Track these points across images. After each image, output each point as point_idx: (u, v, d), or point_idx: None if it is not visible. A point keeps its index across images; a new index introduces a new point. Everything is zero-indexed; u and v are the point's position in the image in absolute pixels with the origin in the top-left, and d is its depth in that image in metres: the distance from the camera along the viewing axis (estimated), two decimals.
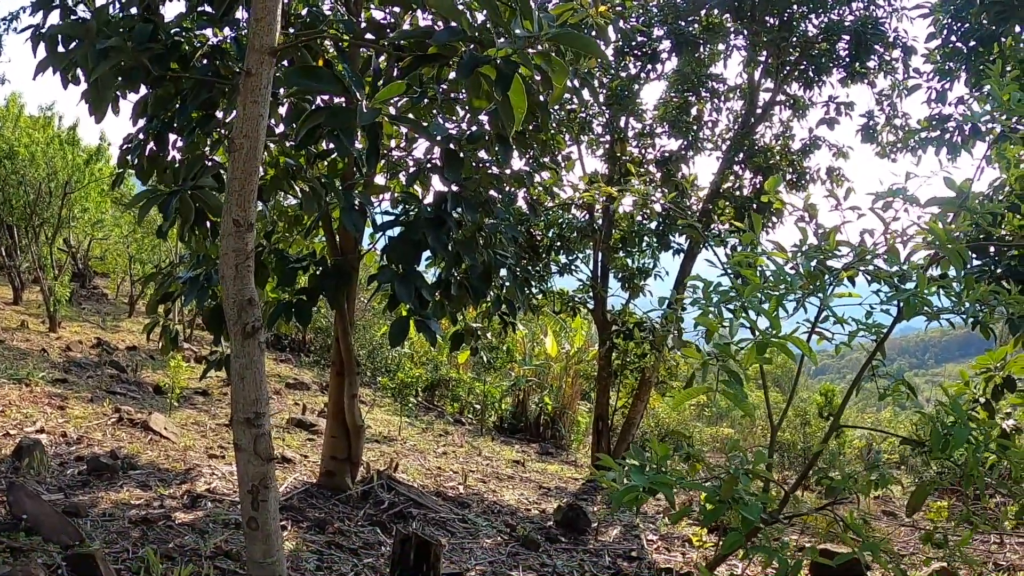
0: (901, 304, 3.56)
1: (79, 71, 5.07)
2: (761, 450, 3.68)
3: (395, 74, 5.95)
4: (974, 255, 5.25)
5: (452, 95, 5.39)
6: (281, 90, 4.86)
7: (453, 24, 3.39)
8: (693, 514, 4.21)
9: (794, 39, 9.60)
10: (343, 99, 4.60)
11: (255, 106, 3.39)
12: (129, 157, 5.55)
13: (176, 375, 10.06)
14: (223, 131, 5.69)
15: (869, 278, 3.77)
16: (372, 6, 6.69)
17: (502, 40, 3.23)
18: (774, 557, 3.34)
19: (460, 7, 3.77)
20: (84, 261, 19.88)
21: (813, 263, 3.70)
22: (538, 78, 3.34)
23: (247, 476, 3.53)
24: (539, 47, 3.28)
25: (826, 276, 3.68)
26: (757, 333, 3.47)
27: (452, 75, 3.82)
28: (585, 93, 7.11)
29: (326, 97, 4.97)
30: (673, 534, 7.41)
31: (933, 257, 3.86)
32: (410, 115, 5.17)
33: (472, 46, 3.35)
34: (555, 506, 7.90)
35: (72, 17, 5.31)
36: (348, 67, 3.84)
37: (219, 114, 5.50)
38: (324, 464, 6.95)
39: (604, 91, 9.48)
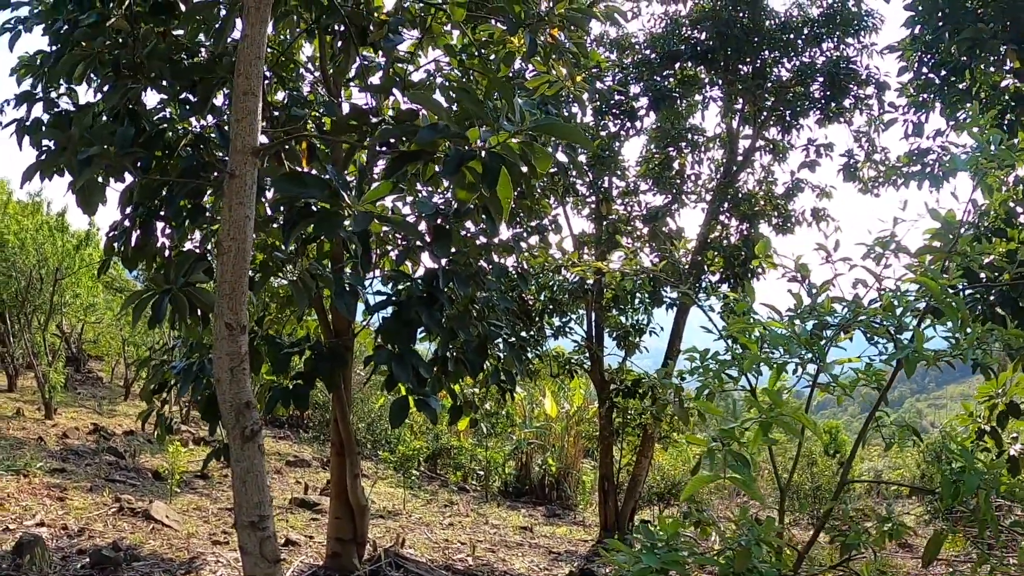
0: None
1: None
2: (770, 516, 3.65)
3: (377, 155, 6.03)
4: (965, 286, 5.29)
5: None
6: (268, 191, 4.91)
7: (437, 121, 3.43)
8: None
9: (768, 84, 9.76)
10: None
11: (241, 208, 3.41)
12: (116, 244, 5.56)
13: (175, 460, 9.94)
14: (212, 217, 5.72)
15: (867, 334, 3.79)
16: (352, 85, 6.78)
17: (485, 130, 3.26)
18: None
19: (441, 100, 3.82)
20: (78, 345, 19.76)
21: (810, 325, 3.72)
22: (524, 168, 3.37)
23: None
24: (523, 137, 3.31)
25: (823, 339, 3.69)
26: (758, 410, 3.47)
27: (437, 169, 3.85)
28: (562, 157, 7.23)
29: None
30: None
31: (928, 307, 3.88)
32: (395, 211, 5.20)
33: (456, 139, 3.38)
34: (566, 572, 7.79)
35: (55, 110, 5.39)
36: (334, 169, 3.88)
37: (208, 200, 5.55)
38: (330, 546, 6.85)
39: (585, 152, 9.60)
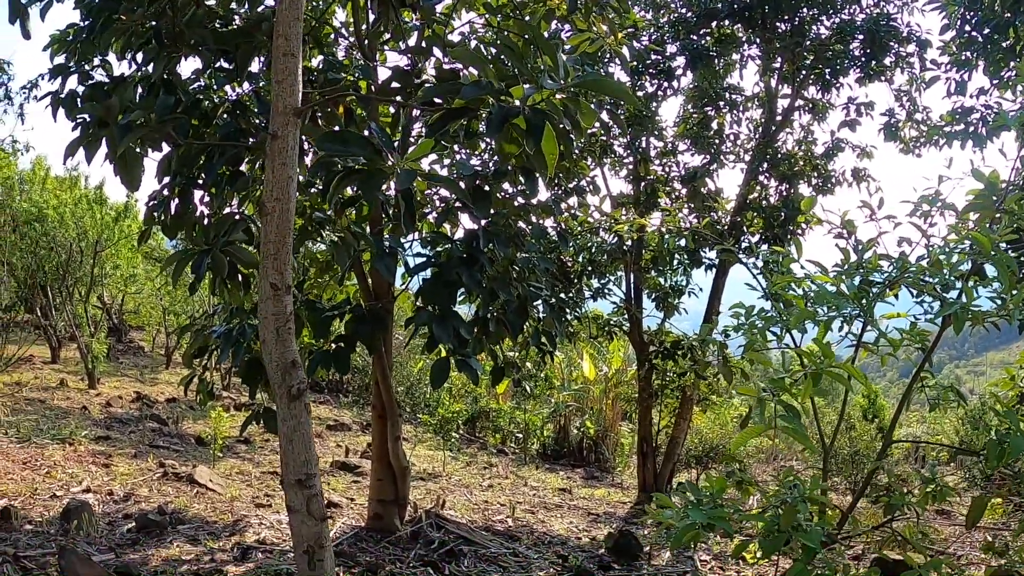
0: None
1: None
2: (812, 475, 3.64)
3: (415, 117, 6.00)
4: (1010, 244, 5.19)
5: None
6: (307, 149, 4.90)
7: (480, 77, 3.40)
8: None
9: (807, 43, 9.56)
10: None
11: (284, 168, 3.41)
12: (155, 214, 5.59)
13: (217, 426, 10.09)
14: (251, 184, 5.74)
15: (913, 291, 3.73)
16: (387, 48, 6.74)
17: (528, 86, 3.22)
18: None
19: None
20: (119, 316, 20.07)
21: (856, 281, 3.66)
22: (568, 126, 3.33)
23: (302, 536, 3.52)
24: (567, 93, 3.27)
25: (870, 294, 3.63)
26: (807, 362, 3.44)
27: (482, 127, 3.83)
28: (604, 115, 7.14)
29: None
30: (726, 551, 7.30)
31: (975, 265, 3.80)
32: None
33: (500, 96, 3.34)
34: (605, 533, 7.82)
35: (90, 82, 5.40)
36: (377, 128, 3.85)
37: (244, 168, 5.55)
38: (371, 507, 6.92)
39: (623, 112, 9.49)
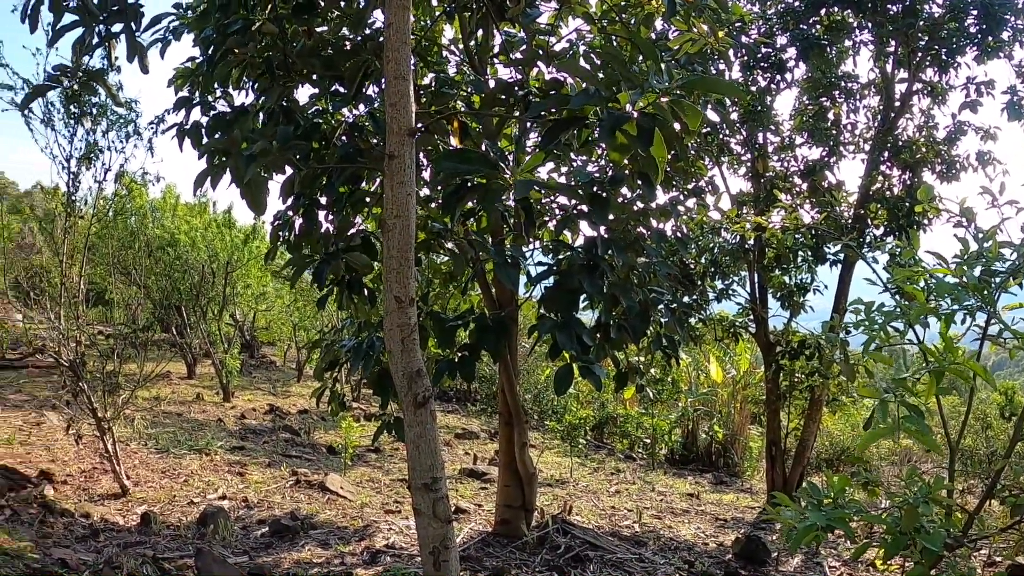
0: None
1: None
2: (940, 475, 3.50)
3: (527, 128, 6.07)
4: None
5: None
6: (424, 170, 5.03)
7: (585, 87, 3.43)
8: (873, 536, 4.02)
9: (920, 23, 9.15)
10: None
11: (402, 187, 3.53)
12: (280, 233, 5.84)
13: (348, 435, 10.39)
14: (370, 201, 5.92)
15: None
16: (497, 61, 6.83)
17: (634, 92, 3.23)
18: None
19: (587, 66, 3.82)
20: (251, 332, 20.89)
21: (977, 272, 3.52)
22: (676, 127, 3.33)
23: (428, 538, 3.62)
24: (672, 96, 3.27)
25: (992, 284, 3.48)
26: (931, 360, 3.32)
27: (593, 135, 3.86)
28: (712, 115, 7.03)
29: None
30: (861, 558, 7.08)
31: None
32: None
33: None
34: (733, 538, 7.69)
35: (212, 112, 5.68)
36: (491, 142, 3.94)
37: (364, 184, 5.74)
38: (499, 512, 7.01)
39: (736, 108, 9.32)
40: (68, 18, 4.46)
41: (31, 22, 4.41)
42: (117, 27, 4.61)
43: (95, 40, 4.57)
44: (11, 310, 13.25)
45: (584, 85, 3.60)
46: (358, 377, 15.94)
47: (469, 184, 3.95)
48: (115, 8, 4.53)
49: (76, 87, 4.76)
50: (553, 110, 4.08)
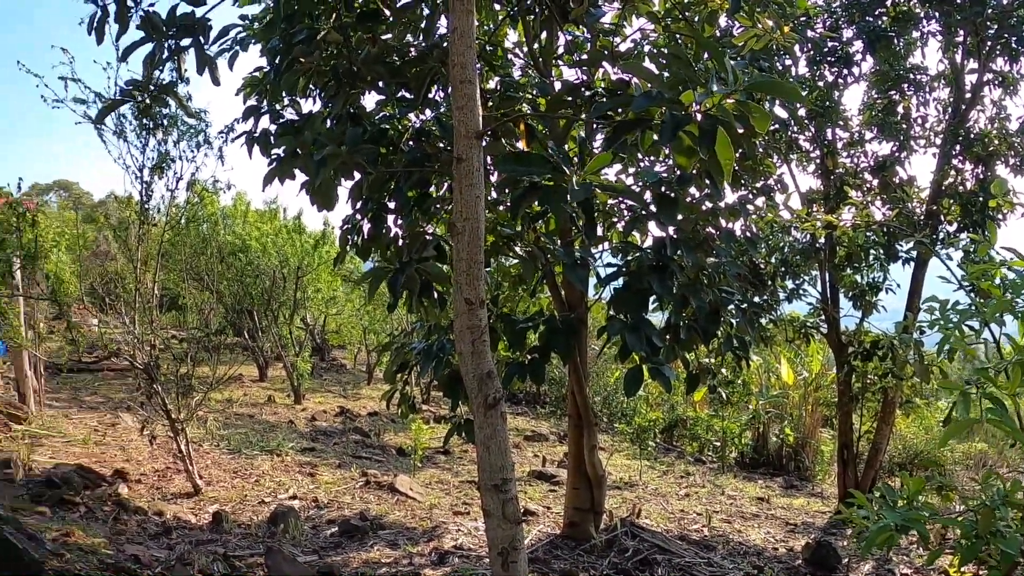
0: None
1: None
2: (1018, 476, 3.40)
3: (594, 129, 6.07)
4: None
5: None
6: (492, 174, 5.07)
7: (650, 88, 3.43)
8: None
9: (988, 11, 8.88)
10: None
11: (471, 189, 3.57)
12: (349, 237, 5.93)
13: (417, 437, 10.49)
14: (439, 206, 5.99)
15: None
16: (561, 63, 6.85)
17: (699, 93, 3.23)
18: None
19: (652, 68, 3.81)
20: (321, 336, 21.25)
21: None
22: (741, 129, 3.30)
23: (497, 539, 3.64)
24: (736, 97, 3.25)
25: None
26: (1016, 353, 3.23)
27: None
28: (780, 112, 6.93)
29: None
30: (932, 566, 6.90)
31: None
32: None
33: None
34: (803, 543, 7.57)
35: (280, 120, 5.80)
36: (554, 146, 3.96)
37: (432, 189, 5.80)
38: (567, 515, 7.01)
39: (804, 105, 9.17)
40: (137, 34, 4.61)
41: (97, 35, 4.55)
42: (186, 41, 4.75)
43: (164, 54, 4.70)
44: (87, 315, 13.68)
45: (648, 86, 3.59)
46: (427, 380, 16.12)
47: (533, 186, 3.97)
48: (182, 23, 4.66)
49: (148, 100, 4.90)
50: (618, 111, 4.09)
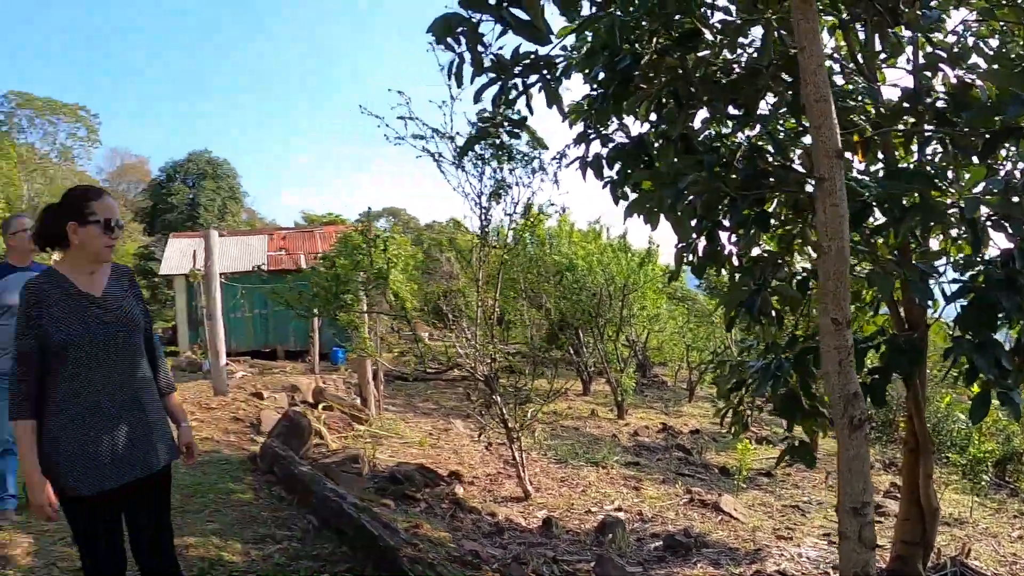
0: None
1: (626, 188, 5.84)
2: None
3: (929, 138, 5.70)
4: None
5: None
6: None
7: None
8: None
9: None
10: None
11: (835, 208, 3.56)
12: (684, 255, 6.04)
13: (743, 457, 10.36)
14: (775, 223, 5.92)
15: None
16: (884, 67, 6.47)
17: None
18: None
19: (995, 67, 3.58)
20: (643, 353, 21.61)
21: None
22: None
23: (850, 564, 3.58)
24: None
25: None
26: None
27: None
28: None
29: None
30: None
31: None
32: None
33: None
34: None
35: (611, 143, 6.03)
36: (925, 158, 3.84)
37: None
38: (895, 548, 6.55)
39: None
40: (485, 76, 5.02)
41: (456, 79, 5.00)
42: (532, 77, 5.12)
43: (513, 93, 5.10)
44: (420, 328, 15.07)
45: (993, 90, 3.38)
46: (751, 400, 15.74)
47: (916, 203, 3.87)
48: (532, 62, 5.03)
49: (505, 135, 5.32)
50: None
